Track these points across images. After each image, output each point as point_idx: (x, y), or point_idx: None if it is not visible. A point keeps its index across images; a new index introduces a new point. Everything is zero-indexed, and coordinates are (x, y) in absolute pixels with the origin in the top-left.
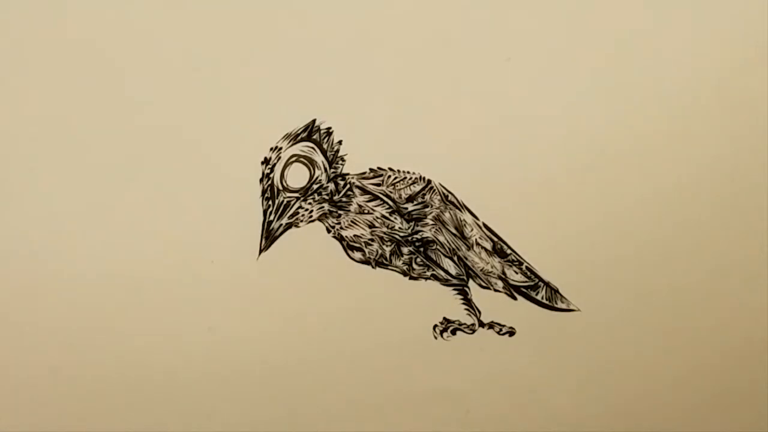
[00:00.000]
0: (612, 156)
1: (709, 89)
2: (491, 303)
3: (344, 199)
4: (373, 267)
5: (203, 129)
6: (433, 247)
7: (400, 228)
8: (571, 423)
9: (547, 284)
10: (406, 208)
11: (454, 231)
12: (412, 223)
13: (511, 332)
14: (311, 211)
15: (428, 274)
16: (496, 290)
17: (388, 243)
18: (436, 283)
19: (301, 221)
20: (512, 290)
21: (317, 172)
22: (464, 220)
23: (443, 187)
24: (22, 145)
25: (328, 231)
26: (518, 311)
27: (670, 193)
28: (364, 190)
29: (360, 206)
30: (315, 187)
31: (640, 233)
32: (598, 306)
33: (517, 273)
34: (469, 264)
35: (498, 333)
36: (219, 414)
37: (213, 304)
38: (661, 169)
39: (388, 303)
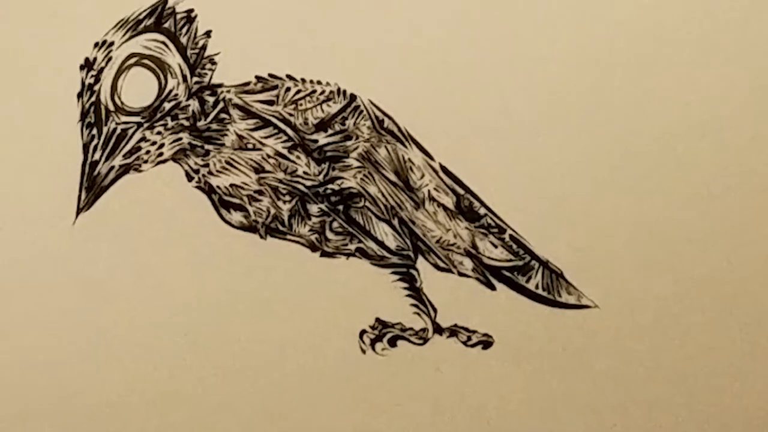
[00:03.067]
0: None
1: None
2: (455, 295)
3: (215, 127)
4: (262, 236)
5: None
6: (360, 205)
7: (305, 173)
8: None
9: (544, 264)
10: (316, 141)
11: (393, 178)
12: (325, 166)
13: (486, 342)
14: (161, 146)
15: (351, 247)
16: (461, 274)
17: (287, 197)
18: (365, 263)
19: (145, 162)
20: (488, 274)
21: (171, 83)
22: (410, 160)
23: (376, 107)
24: None
25: (189, 178)
26: (498, 308)
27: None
28: (248, 112)
29: (240, 138)
30: (167, 106)
31: (682, 189)
32: (625, 300)
33: (495, 246)
34: (417, 231)
35: (465, 344)
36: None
37: (6, 289)
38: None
39: (284, 295)
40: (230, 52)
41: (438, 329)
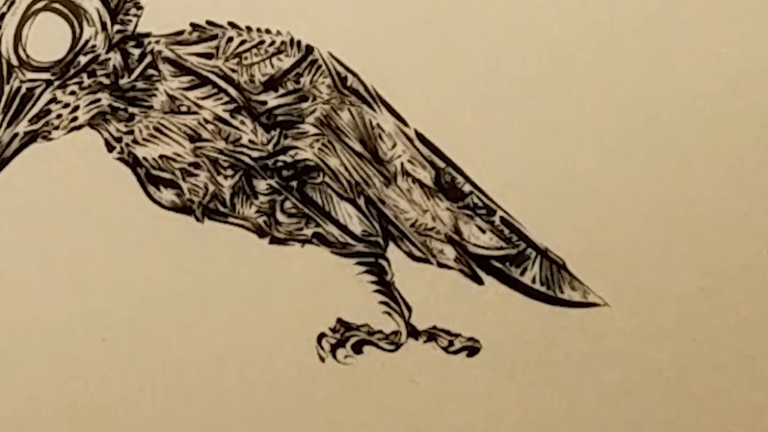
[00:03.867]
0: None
1: None
2: (434, 290)
3: (141, 85)
4: (198, 219)
5: None
6: (318, 180)
7: (251, 142)
8: None
9: (543, 253)
10: (264, 103)
11: (358, 148)
12: (275, 133)
13: (472, 348)
14: (75, 108)
15: (307, 232)
16: (441, 264)
17: (229, 172)
18: (324, 251)
19: (56, 128)
20: (474, 265)
21: (87, 32)
22: (379, 126)
23: (337, 61)
24: None
25: (110, 148)
26: (486, 307)
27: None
28: (181, 68)
29: (172, 98)
30: (83, 60)
31: (711, 161)
32: (642, 297)
33: (483, 231)
34: (388, 213)
35: (446, 350)
36: None
37: None
38: None
39: (225, 291)
40: None
41: (413, 332)
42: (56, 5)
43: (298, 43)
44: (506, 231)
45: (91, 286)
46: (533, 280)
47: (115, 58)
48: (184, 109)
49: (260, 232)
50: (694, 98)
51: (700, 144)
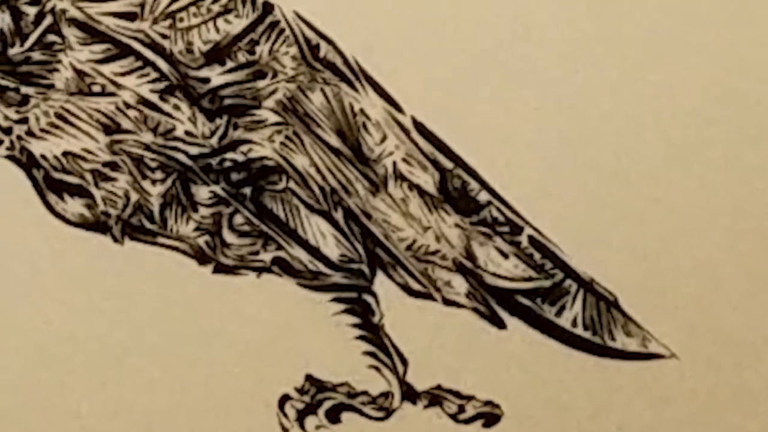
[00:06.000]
0: None
1: None
2: (438, 337)
3: (38, 56)
4: (116, 240)
5: None
6: (279, 187)
7: (189, 134)
8: None
9: (587, 286)
10: (206, 81)
11: (335, 143)
12: (221, 122)
13: (490, 416)
14: None
15: (265, 257)
16: (448, 302)
17: (158, 175)
18: (288, 283)
19: None
20: (493, 302)
21: None
22: (363, 112)
23: (306, 23)
24: None
25: None
26: (510, 359)
27: None
28: (93, 32)
29: (81, 75)
30: None
31: None
32: (723, 346)
33: (505, 256)
34: (376, 231)
35: (454, 418)
36: None
37: None
38: None
39: (155, 337)
40: None
41: (410, 394)
42: None
43: None
44: (537, 256)
45: None
46: (574, 323)
47: (3, 19)
48: (96, 89)
49: (201, 257)
50: None
51: None
